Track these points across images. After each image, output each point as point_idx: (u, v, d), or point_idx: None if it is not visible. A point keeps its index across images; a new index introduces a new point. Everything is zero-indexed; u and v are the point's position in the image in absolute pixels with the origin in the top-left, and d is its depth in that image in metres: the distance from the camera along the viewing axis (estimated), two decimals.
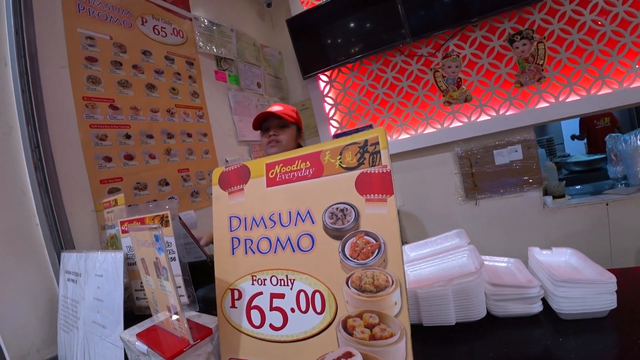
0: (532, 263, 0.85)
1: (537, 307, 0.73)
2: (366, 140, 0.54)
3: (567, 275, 0.72)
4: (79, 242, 1.23)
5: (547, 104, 1.94)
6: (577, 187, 2.43)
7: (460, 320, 0.75)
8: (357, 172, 0.55)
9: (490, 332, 0.73)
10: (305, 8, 2.40)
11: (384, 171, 0.52)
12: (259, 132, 1.46)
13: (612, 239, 1.88)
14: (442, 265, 0.87)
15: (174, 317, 0.63)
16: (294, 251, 0.59)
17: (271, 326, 0.59)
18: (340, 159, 0.57)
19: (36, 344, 1.06)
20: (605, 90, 1.82)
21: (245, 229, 0.64)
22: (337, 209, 0.56)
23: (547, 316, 0.73)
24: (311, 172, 0.59)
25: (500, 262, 0.90)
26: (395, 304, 0.49)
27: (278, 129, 1.38)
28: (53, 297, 1.11)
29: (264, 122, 1.41)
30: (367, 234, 0.53)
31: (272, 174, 0.63)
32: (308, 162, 0.59)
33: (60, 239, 1.17)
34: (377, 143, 0.53)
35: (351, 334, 0.51)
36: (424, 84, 2.21)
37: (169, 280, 0.57)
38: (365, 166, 0.54)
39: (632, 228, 1.83)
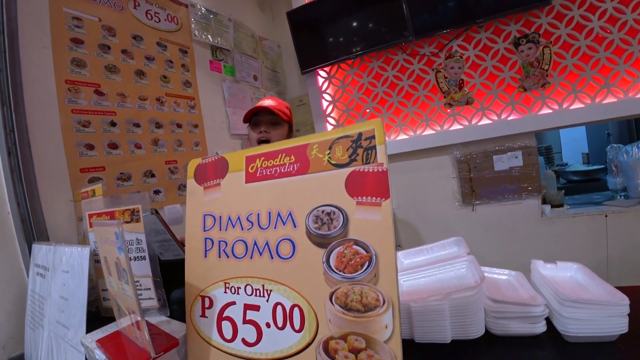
0: (535, 278, 0.79)
1: (541, 327, 0.67)
2: (360, 134, 0.47)
3: (576, 295, 0.66)
4: (54, 233, 1.16)
5: (551, 111, 1.89)
6: (575, 196, 2.38)
7: (456, 337, 0.68)
8: (348, 170, 0.47)
9: (488, 351, 0.67)
10: (306, 1, 2.33)
11: (380, 170, 0.44)
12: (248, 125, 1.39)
13: (610, 251, 1.85)
14: (439, 276, 0.80)
15: (135, 325, 0.56)
16: (272, 258, 0.51)
17: (244, 341, 0.52)
18: (329, 154, 0.49)
19: (2, 341, 0.99)
20: (610, 99, 1.77)
21: (220, 229, 0.57)
22: (322, 212, 0.48)
23: (550, 337, 0.67)
24: (295, 168, 0.51)
25: (500, 275, 0.83)
26: (386, 327, 0.42)
27: (270, 125, 1.31)
28: (22, 291, 1.04)
29: (255, 116, 1.34)
30: (357, 243, 0.45)
31: (252, 169, 0.56)
32: (292, 157, 0.52)
33: (33, 230, 1.10)
34: (373, 137, 0.46)
35: (333, 358, 0.44)
36: (425, 84, 2.14)
37: (129, 284, 0.50)
38: (358, 163, 0.47)
39: (631, 241, 1.79)
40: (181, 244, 1.00)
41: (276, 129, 1.32)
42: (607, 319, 0.61)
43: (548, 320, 0.68)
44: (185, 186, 1.70)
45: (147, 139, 1.56)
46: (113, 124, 1.42)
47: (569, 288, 0.72)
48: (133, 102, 1.51)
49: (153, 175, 1.56)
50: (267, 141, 1.29)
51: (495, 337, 0.69)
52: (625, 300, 0.61)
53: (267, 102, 1.33)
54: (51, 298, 0.86)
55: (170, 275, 0.78)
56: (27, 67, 1.16)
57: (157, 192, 1.57)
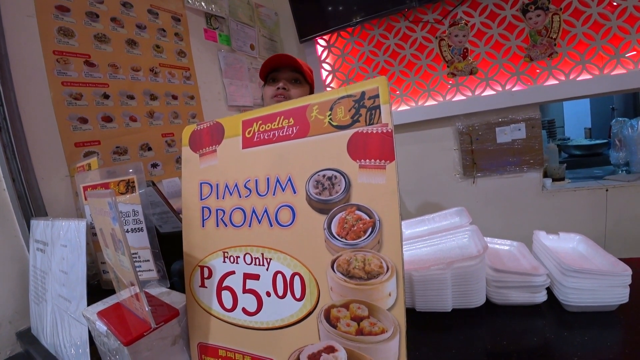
0: (537, 248, 0.79)
1: (541, 297, 0.67)
2: (363, 93, 0.43)
3: (578, 265, 0.65)
4: (52, 208, 1.15)
5: (557, 82, 1.83)
6: (576, 170, 2.37)
7: (457, 306, 0.69)
8: (350, 132, 0.44)
9: (488, 320, 0.67)
10: None
11: (384, 131, 0.42)
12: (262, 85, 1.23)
13: (609, 225, 1.85)
14: (440, 246, 0.79)
15: (135, 296, 0.55)
16: (271, 225, 0.50)
17: (244, 310, 0.51)
18: (330, 115, 0.46)
19: (8, 315, 1.00)
20: (619, 71, 1.71)
21: (217, 198, 0.55)
22: (323, 176, 0.46)
23: (550, 307, 0.67)
24: (295, 131, 0.48)
25: (502, 245, 0.83)
26: (390, 295, 0.41)
27: (290, 82, 1.16)
28: (24, 267, 1.05)
29: (274, 72, 1.19)
30: (360, 208, 0.43)
31: (249, 133, 0.53)
32: (291, 119, 0.49)
33: (30, 206, 1.09)
34: (377, 96, 0.42)
35: (335, 326, 0.44)
36: (427, 53, 2.07)
37: (126, 255, 0.48)
38: (361, 124, 0.44)
39: (630, 216, 1.80)
40: (180, 215, 0.99)
41: (297, 87, 1.17)
42: (609, 289, 0.61)
43: (548, 290, 0.68)
44: None
45: (142, 111, 1.51)
46: (106, 96, 1.37)
47: (571, 258, 0.71)
48: (126, 73, 1.46)
49: (150, 149, 1.53)
50: (285, 98, 1.13)
51: (495, 306, 0.69)
52: (628, 271, 0.61)
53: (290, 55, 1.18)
54: (52, 272, 0.86)
55: (170, 247, 0.77)
56: (12, 37, 1.10)
57: (154, 165, 1.55)
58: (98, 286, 0.94)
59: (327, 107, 0.46)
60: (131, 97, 1.47)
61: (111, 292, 0.74)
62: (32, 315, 0.96)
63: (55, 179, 1.19)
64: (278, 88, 1.14)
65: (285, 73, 1.17)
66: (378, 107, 0.42)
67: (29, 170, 1.10)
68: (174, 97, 1.67)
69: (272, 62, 1.16)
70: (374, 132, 0.42)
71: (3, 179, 1.06)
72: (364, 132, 0.43)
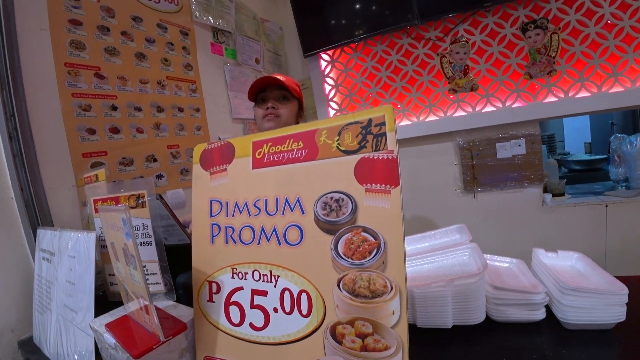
0: (536, 266, 0.80)
1: (540, 315, 0.68)
2: (370, 120, 0.46)
3: (575, 283, 0.66)
4: (58, 218, 1.16)
5: (556, 99, 1.87)
6: (576, 186, 2.39)
7: (457, 323, 0.70)
8: (357, 157, 0.47)
9: (488, 337, 0.68)
10: None
11: (390, 157, 0.44)
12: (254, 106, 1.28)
13: (609, 241, 1.86)
14: (441, 263, 0.81)
15: (144, 310, 0.56)
16: (279, 244, 0.51)
17: (251, 325, 0.53)
18: (338, 140, 0.48)
19: (10, 324, 1.01)
20: (617, 89, 1.75)
21: (227, 215, 0.57)
22: (331, 198, 0.48)
23: (549, 324, 0.68)
24: (304, 154, 0.51)
25: (502, 263, 0.84)
26: (393, 313, 0.43)
27: (278, 101, 1.20)
28: (29, 275, 1.05)
29: (262, 92, 1.23)
30: (365, 230, 0.46)
31: (259, 154, 0.55)
32: (301, 142, 0.51)
33: (37, 215, 1.10)
34: (383, 124, 0.45)
35: (340, 342, 0.45)
36: (429, 70, 2.11)
37: (138, 270, 0.50)
38: (368, 150, 0.46)
39: (630, 232, 1.81)
40: (185, 229, 1.00)
41: (285, 104, 1.20)
42: (606, 307, 0.62)
43: (547, 308, 0.69)
44: (187, 171, 1.70)
45: (149, 123, 1.54)
46: (114, 108, 1.40)
47: (569, 277, 0.73)
48: (134, 86, 1.49)
49: (155, 160, 1.55)
50: (275, 116, 1.17)
51: (495, 323, 0.70)
52: (624, 290, 0.62)
53: (275, 76, 1.21)
54: (58, 282, 0.87)
55: (174, 259, 0.79)
56: (25, 50, 1.13)
57: (159, 176, 1.57)
58: (104, 297, 0.95)
59: (335, 132, 0.49)
60: (138, 109, 1.50)
61: (117, 304, 0.75)
62: (35, 325, 0.96)
63: (62, 189, 1.20)
64: (267, 108, 1.18)
65: (273, 92, 1.21)
66: (384, 134, 0.45)
67: (37, 180, 1.11)
68: (180, 110, 1.71)
69: (259, 83, 1.20)
70: (380, 158, 0.45)
71: (12, 187, 1.07)
72: (371, 157, 0.46)
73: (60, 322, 0.84)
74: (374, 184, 0.45)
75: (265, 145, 0.55)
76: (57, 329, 0.85)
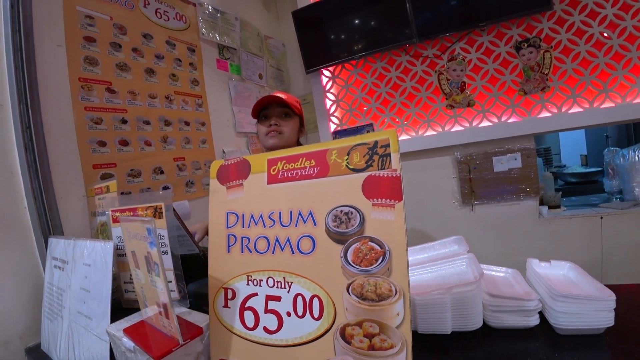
0: (530, 275, 0.84)
1: (534, 321, 0.72)
2: (376, 142, 0.52)
3: (566, 290, 0.71)
4: (68, 227, 1.19)
5: (550, 114, 1.93)
6: (572, 198, 2.44)
7: (456, 329, 0.73)
8: (364, 175, 0.52)
9: (485, 342, 0.72)
10: (312, 1, 2.35)
11: (394, 175, 0.50)
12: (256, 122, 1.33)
13: (604, 252, 1.89)
14: (440, 272, 0.85)
15: (164, 315, 0.60)
16: (293, 253, 0.56)
17: (265, 329, 0.57)
18: (347, 159, 0.54)
19: (19, 331, 1.03)
20: (608, 104, 1.82)
21: (243, 227, 0.62)
22: (341, 211, 0.53)
23: (543, 330, 0.72)
24: (316, 172, 0.56)
25: (498, 272, 0.89)
26: (398, 314, 0.47)
27: (280, 118, 1.25)
28: (38, 283, 1.08)
29: (264, 110, 1.27)
30: (372, 239, 0.51)
31: (273, 171, 0.60)
32: (313, 161, 0.57)
33: (49, 224, 1.13)
34: (388, 145, 0.51)
35: (349, 343, 0.49)
36: (427, 86, 2.18)
37: (160, 277, 0.54)
38: (374, 169, 0.52)
39: (625, 243, 1.84)
40: (194, 239, 1.04)
41: (287, 121, 1.25)
42: (596, 313, 0.66)
43: (541, 314, 0.73)
44: (192, 183, 1.75)
45: (157, 136, 1.59)
46: (124, 122, 1.45)
47: (561, 285, 0.77)
48: (143, 100, 1.55)
49: (162, 172, 1.60)
50: (278, 133, 1.22)
51: (492, 329, 0.74)
52: (612, 296, 0.66)
53: (277, 94, 1.27)
54: (71, 290, 0.89)
55: (185, 269, 0.82)
56: (42, 65, 1.18)
57: (165, 188, 1.61)
58: (118, 304, 0.97)
59: (344, 152, 0.55)
60: (147, 123, 1.55)
61: (131, 310, 0.78)
62: (44, 332, 0.98)
63: (73, 199, 1.24)
64: (270, 125, 1.23)
65: (275, 110, 1.25)
66: (389, 155, 0.51)
67: (49, 190, 1.15)
68: (187, 123, 1.76)
69: (262, 101, 1.25)
70: (385, 175, 0.50)
71: (25, 197, 1.10)
72: (377, 175, 0.51)
73: (73, 329, 0.86)
74: (379, 199, 0.50)
75: (279, 163, 0.60)
76: (69, 335, 0.87)
